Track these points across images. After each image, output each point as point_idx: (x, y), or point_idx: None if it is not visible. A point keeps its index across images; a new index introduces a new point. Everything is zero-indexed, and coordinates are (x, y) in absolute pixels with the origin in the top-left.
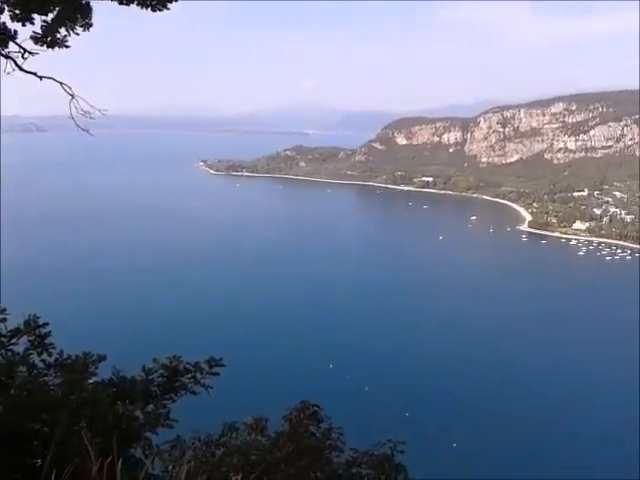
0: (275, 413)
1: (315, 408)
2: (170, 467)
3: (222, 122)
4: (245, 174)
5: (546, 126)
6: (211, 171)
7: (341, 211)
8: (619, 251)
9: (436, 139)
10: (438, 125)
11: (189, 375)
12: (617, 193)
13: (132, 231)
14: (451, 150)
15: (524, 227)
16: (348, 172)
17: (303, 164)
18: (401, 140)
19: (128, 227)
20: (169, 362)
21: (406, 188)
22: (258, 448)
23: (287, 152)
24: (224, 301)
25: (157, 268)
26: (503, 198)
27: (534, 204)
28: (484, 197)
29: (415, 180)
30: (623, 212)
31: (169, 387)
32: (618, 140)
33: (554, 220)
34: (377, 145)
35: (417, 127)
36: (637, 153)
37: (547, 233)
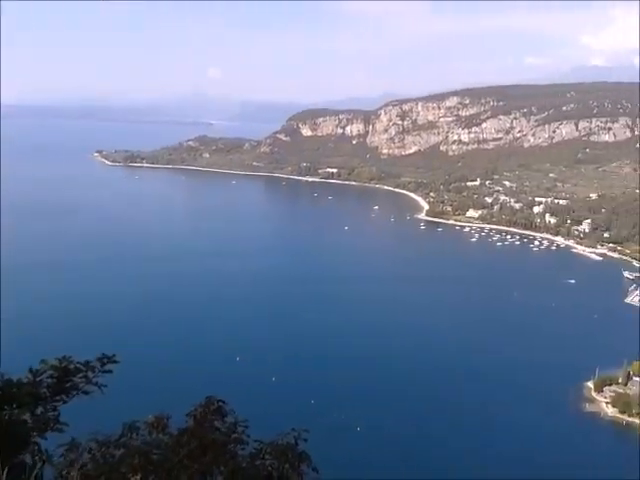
0: (179, 410)
1: (220, 403)
2: (64, 472)
3: (126, 111)
4: (145, 165)
5: (442, 119)
6: (107, 162)
7: (246, 202)
8: (509, 237)
9: (340, 131)
10: (342, 117)
11: (80, 375)
12: (507, 182)
13: None
14: (354, 142)
15: (422, 216)
16: (253, 163)
17: (207, 155)
18: (306, 131)
19: None
20: (58, 362)
21: (311, 179)
22: (160, 447)
23: (190, 143)
24: (110, 298)
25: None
26: (403, 188)
27: (431, 194)
28: (385, 187)
29: (320, 171)
30: (512, 200)
31: (59, 388)
32: (507, 132)
33: (449, 209)
34: (282, 136)
35: (321, 119)
36: (525, 144)
37: (443, 221)
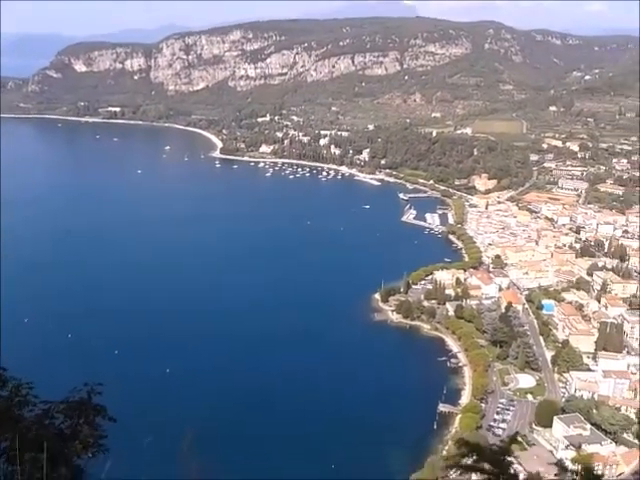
0: None
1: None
2: None
3: None
4: None
5: (227, 54)
6: None
7: (16, 149)
8: (300, 169)
9: (119, 66)
10: (119, 51)
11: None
12: (294, 117)
13: None
14: (136, 77)
15: (216, 154)
16: (20, 104)
17: None
18: (80, 67)
19: None
20: None
21: (92, 120)
22: None
23: None
24: None
25: None
26: (194, 126)
27: (223, 131)
28: (176, 126)
29: (101, 110)
30: (300, 134)
31: None
32: (291, 67)
33: (243, 145)
34: (52, 73)
35: (97, 52)
36: (308, 79)
37: (238, 158)
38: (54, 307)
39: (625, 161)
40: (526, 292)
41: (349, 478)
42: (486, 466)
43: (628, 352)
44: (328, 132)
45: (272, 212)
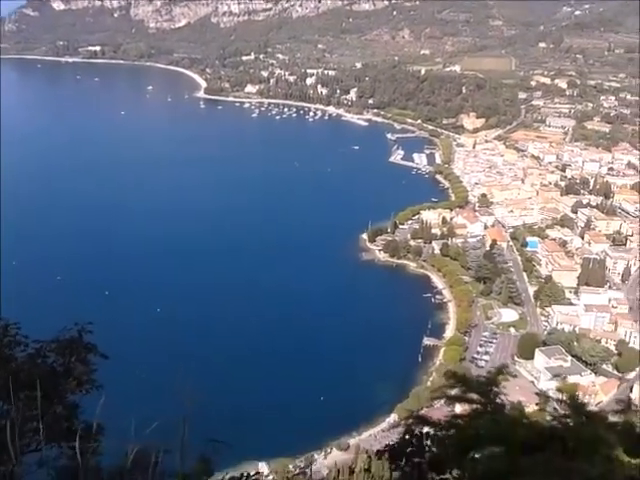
0: None
1: None
2: None
3: None
4: None
5: None
6: None
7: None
8: (286, 110)
9: (98, 3)
10: None
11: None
12: (280, 55)
13: None
14: (116, 15)
15: (201, 94)
16: None
17: None
18: (58, 5)
19: None
20: None
21: (71, 59)
22: None
23: None
24: None
25: None
26: (177, 65)
27: (207, 70)
28: (158, 65)
29: (81, 50)
30: (286, 73)
31: None
32: (276, 3)
33: (227, 85)
34: (29, 11)
35: None
36: (294, 15)
37: (222, 98)
38: (40, 251)
39: (613, 98)
40: (511, 230)
41: (337, 408)
42: (473, 396)
43: (610, 287)
44: (315, 71)
45: (259, 154)
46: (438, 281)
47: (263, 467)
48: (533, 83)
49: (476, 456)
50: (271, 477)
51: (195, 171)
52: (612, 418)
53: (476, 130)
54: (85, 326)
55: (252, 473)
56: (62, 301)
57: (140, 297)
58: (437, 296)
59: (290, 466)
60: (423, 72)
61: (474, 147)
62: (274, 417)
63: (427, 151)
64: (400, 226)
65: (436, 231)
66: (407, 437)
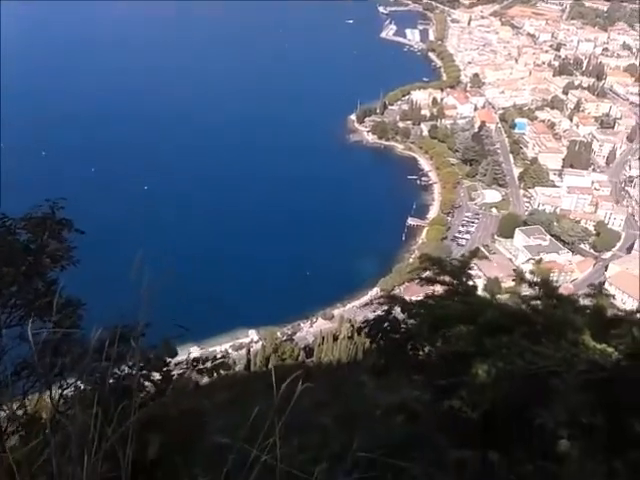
0: None
1: None
2: None
3: None
4: None
5: None
6: None
7: None
8: None
9: None
10: None
11: None
12: None
13: None
14: None
15: None
16: None
17: None
18: None
19: None
20: None
21: None
22: None
23: None
24: None
25: None
26: None
27: None
28: None
29: None
30: None
31: None
32: None
33: None
34: None
35: None
36: None
37: None
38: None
39: None
40: (501, 111)
41: (322, 282)
42: (446, 278)
43: (594, 169)
44: None
45: (246, 34)
46: (425, 163)
47: (253, 334)
48: None
49: (447, 335)
50: (261, 343)
51: (177, 54)
52: (583, 302)
53: (472, 4)
54: (57, 202)
55: (218, 356)
56: (43, 178)
57: (128, 174)
58: (423, 178)
59: (278, 333)
60: None
61: (469, 23)
62: (263, 289)
63: (420, 27)
64: (389, 107)
65: (426, 112)
66: (383, 315)
